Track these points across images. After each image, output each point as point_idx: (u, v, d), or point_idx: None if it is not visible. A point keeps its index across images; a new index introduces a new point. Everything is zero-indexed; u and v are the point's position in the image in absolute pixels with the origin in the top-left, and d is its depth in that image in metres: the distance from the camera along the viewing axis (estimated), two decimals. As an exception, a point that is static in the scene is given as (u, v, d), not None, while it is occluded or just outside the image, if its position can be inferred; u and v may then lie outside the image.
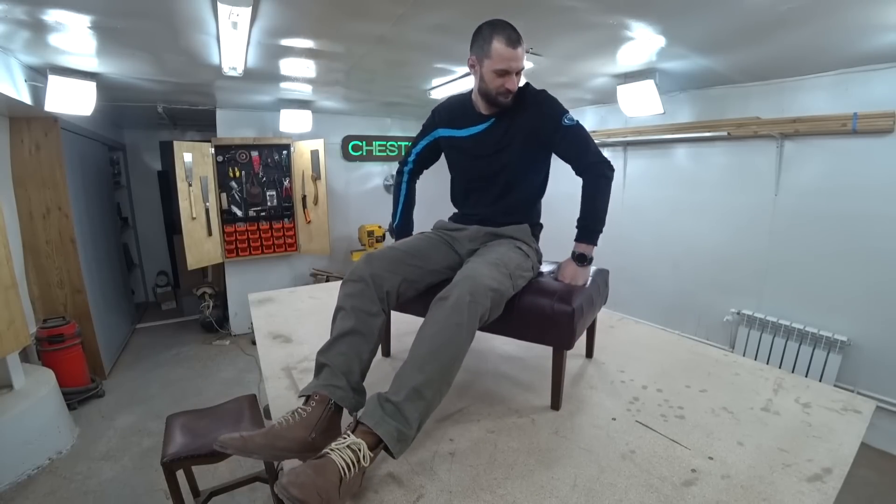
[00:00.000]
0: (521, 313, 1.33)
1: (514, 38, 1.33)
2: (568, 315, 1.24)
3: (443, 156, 1.67)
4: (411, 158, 1.69)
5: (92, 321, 3.41)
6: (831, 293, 2.69)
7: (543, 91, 1.44)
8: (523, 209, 1.52)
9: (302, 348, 1.81)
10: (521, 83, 1.42)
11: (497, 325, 1.41)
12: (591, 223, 1.39)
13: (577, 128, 1.40)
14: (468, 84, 3.18)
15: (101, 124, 4.25)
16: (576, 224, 1.41)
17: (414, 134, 1.71)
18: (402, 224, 1.70)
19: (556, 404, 1.34)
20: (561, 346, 1.30)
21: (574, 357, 1.67)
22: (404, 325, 1.93)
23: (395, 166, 5.31)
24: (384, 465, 1.08)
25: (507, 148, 1.44)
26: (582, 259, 1.40)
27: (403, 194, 1.70)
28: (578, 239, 1.41)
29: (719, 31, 2.10)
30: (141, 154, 5.58)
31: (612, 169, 1.40)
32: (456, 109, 1.54)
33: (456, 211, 1.62)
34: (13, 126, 3.03)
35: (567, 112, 1.41)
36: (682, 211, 3.48)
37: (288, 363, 1.67)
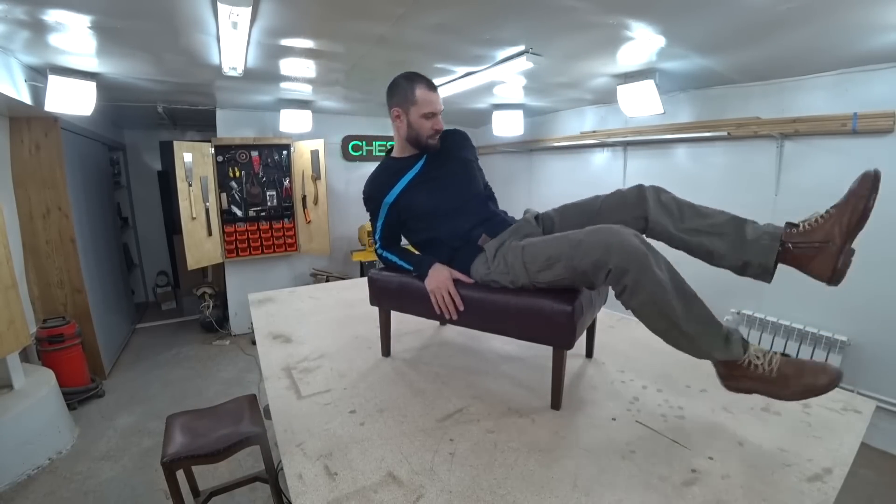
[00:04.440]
0: (520, 313, 1.33)
1: (432, 84, 1.49)
2: (567, 315, 1.24)
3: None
4: (378, 236, 1.62)
5: (92, 321, 3.41)
6: (831, 293, 2.66)
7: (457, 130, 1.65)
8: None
9: (302, 348, 1.81)
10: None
11: (497, 325, 1.42)
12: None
13: None
14: (468, 84, 3.18)
15: (101, 124, 4.25)
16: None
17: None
18: (416, 262, 1.55)
19: (556, 404, 1.34)
20: (561, 346, 1.30)
21: (574, 357, 1.67)
22: (404, 325, 1.94)
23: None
24: (384, 465, 1.09)
25: (452, 164, 1.57)
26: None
27: (394, 257, 1.60)
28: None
29: (719, 31, 2.10)
30: (141, 154, 5.57)
31: None
32: (383, 175, 1.59)
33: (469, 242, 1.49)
34: (13, 126, 3.03)
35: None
36: (682, 211, 3.47)
37: (288, 363, 1.67)
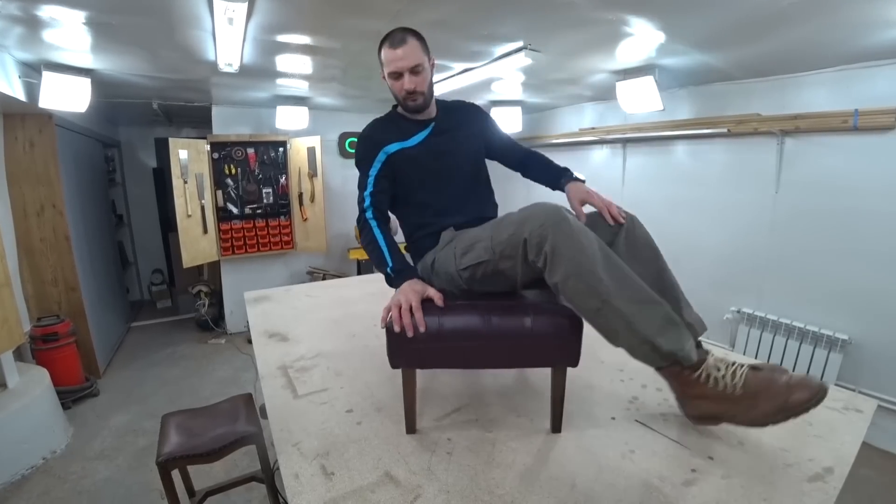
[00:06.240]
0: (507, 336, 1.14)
1: (396, 40, 1.29)
2: (574, 325, 1.11)
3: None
4: (368, 195, 1.32)
5: (86, 319, 3.39)
6: (832, 291, 2.69)
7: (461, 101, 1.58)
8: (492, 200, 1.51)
9: (298, 347, 1.79)
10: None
11: (488, 359, 1.22)
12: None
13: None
14: (466, 80, 3.15)
15: (96, 121, 4.22)
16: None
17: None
18: (400, 263, 1.23)
19: (556, 427, 1.20)
20: (563, 364, 1.15)
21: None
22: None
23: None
24: (381, 465, 1.07)
25: (458, 147, 1.43)
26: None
27: (381, 239, 1.27)
28: None
29: (719, 26, 2.09)
30: (136, 151, 5.54)
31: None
32: (390, 125, 1.40)
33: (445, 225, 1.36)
34: (7, 123, 3.00)
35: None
36: (681, 209, 3.47)
37: (284, 362, 1.65)
